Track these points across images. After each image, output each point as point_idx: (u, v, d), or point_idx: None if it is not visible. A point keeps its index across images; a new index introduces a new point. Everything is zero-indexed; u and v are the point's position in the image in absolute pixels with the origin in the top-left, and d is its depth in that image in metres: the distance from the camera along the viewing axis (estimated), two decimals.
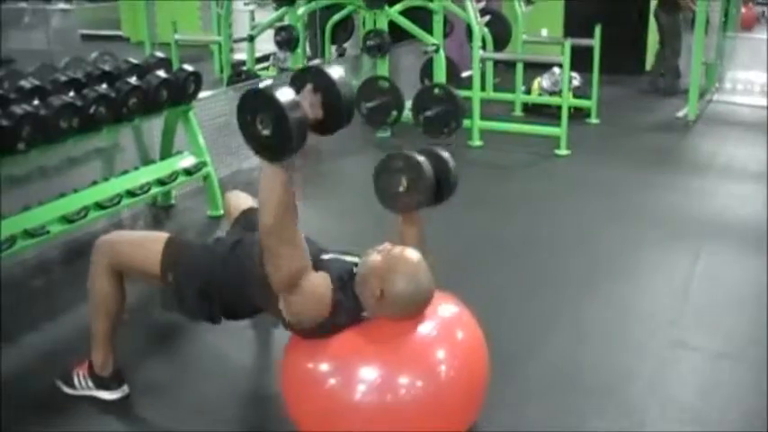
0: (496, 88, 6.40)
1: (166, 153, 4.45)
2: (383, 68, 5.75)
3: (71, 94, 3.60)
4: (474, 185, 4.83)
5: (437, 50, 5.51)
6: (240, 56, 7.20)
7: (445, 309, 2.36)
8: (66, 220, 3.57)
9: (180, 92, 4.05)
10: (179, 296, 2.48)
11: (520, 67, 6.11)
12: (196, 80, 4.12)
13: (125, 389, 2.69)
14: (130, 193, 3.88)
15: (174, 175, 4.13)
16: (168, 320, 3.19)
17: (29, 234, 3.40)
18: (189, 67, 4.14)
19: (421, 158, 2.43)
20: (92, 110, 3.57)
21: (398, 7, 5.75)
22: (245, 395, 2.79)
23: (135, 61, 4.08)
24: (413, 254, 2.25)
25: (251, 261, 2.30)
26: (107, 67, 3.90)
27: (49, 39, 10.98)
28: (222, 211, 4.32)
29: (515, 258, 3.80)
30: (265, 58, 7.39)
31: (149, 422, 2.64)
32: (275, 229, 2.06)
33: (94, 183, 3.87)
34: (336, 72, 2.08)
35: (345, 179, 5.19)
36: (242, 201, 3.03)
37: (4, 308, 3.40)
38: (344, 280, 2.26)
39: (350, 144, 5.71)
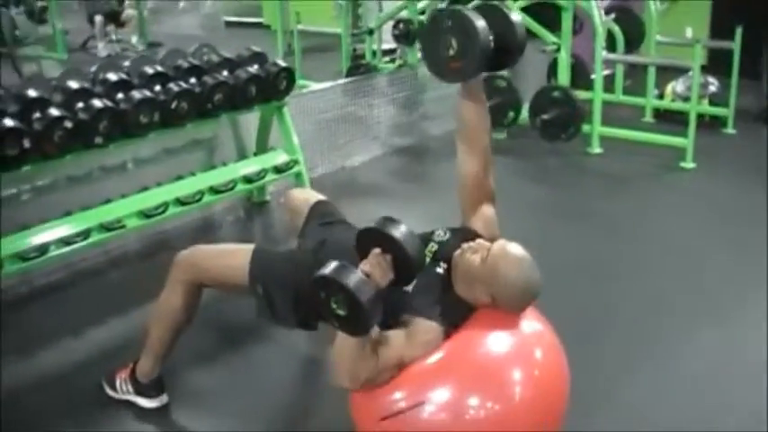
0: (627, 91, 5.94)
1: (261, 149, 4.39)
2: None
3: (157, 88, 3.57)
4: (583, 195, 4.51)
5: (558, 50, 5.15)
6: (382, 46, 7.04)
7: (529, 328, 2.14)
8: (144, 214, 3.55)
9: (270, 88, 3.93)
10: (271, 306, 2.39)
11: (652, 69, 5.62)
12: (288, 76, 4.00)
13: (164, 398, 2.65)
14: (213, 190, 3.81)
15: (262, 173, 4.03)
16: (223, 329, 3.12)
17: (104, 228, 3.40)
18: (281, 63, 4.02)
19: (474, 16, 2.14)
20: (174, 105, 3.52)
21: (522, 2, 5.43)
22: (287, 411, 2.66)
23: (228, 55, 4.00)
24: (513, 249, 2.11)
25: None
26: (196, 62, 3.83)
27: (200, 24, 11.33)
28: None
29: (612, 281, 3.46)
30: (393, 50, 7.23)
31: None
32: (354, 385, 2.02)
33: (179, 177, 3.84)
34: (400, 230, 1.95)
35: (449, 181, 4.92)
36: (308, 195, 2.94)
37: (74, 299, 3.45)
38: (443, 297, 2.12)
39: None
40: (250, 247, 2.49)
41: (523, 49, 2.26)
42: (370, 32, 6.26)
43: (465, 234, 2.26)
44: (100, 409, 2.64)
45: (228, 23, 11.35)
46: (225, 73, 3.83)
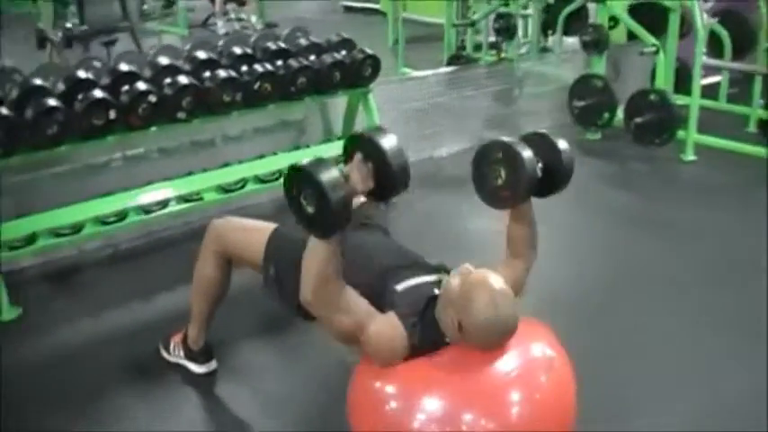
0: (731, 99, 5.69)
1: (346, 133, 4.48)
2: (599, 66, 5.34)
3: (244, 68, 3.70)
4: (668, 204, 4.35)
5: (657, 52, 5.00)
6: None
7: (532, 342, 2.12)
8: (223, 189, 3.70)
9: (355, 74, 4.01)
10: (279, 289, 2.45)
11: (758, 77, 5.36)
12: (373, 64, 4.06)
13: (212, 365, 2.77)
14: None
15: (341, 157, 4.11)
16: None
17: (182, 199, 3.58)
18: (368, 51, 4.09)
19: (521, 147, 2.19)
20: (256, 86, 3.65)
21: (628, 1, 5.30)
22: (326, 396, 2.69)
23: (317, 40, 4.10)
24: (492, 280, 2.02)
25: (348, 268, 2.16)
26: (283, 45, 3.95)
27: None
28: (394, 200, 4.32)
29: (672, 301, 3.29)
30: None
31: (223, 402, 2.69)
32: (314, 303, 2.03)
33: (261, 156, 3.97)
34: (388, 141, 1.96)
35: None
36: None
37: (151, 265, 3.63)
38: (423, 310, 2.11)
39: None
40: (273, 226, 2.54)
41: (570, 174, 2.29)
42: (472, 24, 6.25)
43: None
44: (154, 370, 2.80)
45: (347, 8, 11.50)
46: (312, 57, 3.94)
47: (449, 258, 2.34)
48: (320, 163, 1.89)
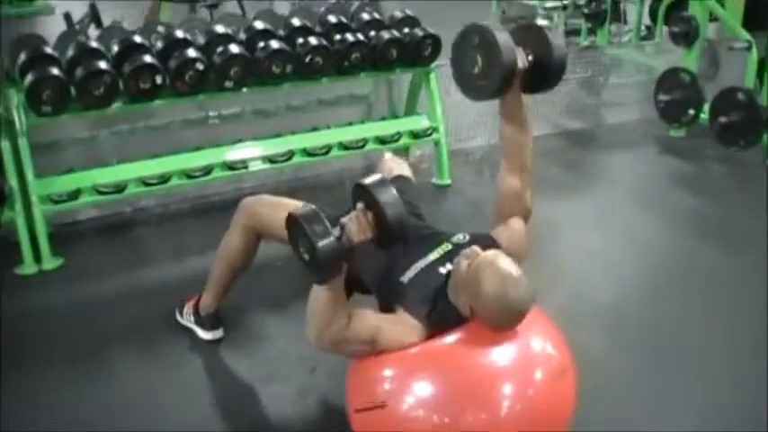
0: None
1: (409, 112, 4.45)
2: (689, 60, 5.06)
3: (300, 40, 3.72)
4: (743, 212, 4.07)
5: (749, 48, 4.69)
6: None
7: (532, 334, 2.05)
8: (269, 159, 3.78)
9: (413, 53, 3.95)
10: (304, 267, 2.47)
11: None
12: (434, 43, 3.99)
13: (218, 333, 2.84)
14: (342, 146, 3.93)
15: (396, 135, 4.09)
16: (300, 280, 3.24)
17: (227, 167, 3.65)
18: (429, 30, 4.02)
19: (499, 33, 2.07)
20: (307, 59, 3.66)
21: None
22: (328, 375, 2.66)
23: (377, 17, 4.06)
24: (500, 263, 1.97)
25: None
26: (344, 19, 3.93)
27: None
28: (449, 182, 4.27)
29: (734, 322, 3.03)
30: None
31: (225, 367, 2.75)
32: (320, 344, 2.03)
33: (314, 129, 3.99)
34: (385, 192, 1.92)
35: (615, 175, 4.68)
36: (395, 166, 2.92)
37: (194, 228, 3.73)
38: (434, 297, 2.08)
39: (635, 136, 5.20)
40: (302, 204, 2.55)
41: (561, 72, 2.17)
42: (564, 8, 6.05)
43: (484, 241, 2.17)
44: (165, 330, 2.88)
45: None
46: (372, 33, 3.91)
47: None
48: (312, 214, 1.88)
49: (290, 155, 3.79)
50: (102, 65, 3.27)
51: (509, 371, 1.98)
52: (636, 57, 6.06)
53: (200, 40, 3.63)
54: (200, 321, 2.83)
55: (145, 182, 3.47)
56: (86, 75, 3.21)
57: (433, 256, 2.19)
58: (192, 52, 3.42)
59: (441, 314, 2.05)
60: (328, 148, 3.89)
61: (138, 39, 3.46)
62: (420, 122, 4.21)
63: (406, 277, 2.13)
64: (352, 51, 3.77)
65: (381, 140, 4.04)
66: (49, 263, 3.33)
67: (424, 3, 5.30)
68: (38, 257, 3.31)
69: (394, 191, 1.94)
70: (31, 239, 3.30)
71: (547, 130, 5.19)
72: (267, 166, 3.76)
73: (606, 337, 2.87)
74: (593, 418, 2.30)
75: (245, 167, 3.70)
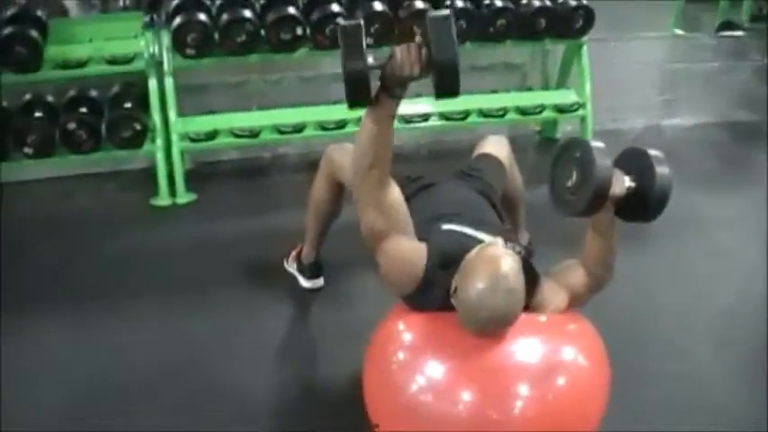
0: None
1: (560, 84, 4.31)
2: None
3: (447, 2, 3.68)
4: None
5: None
6: None
7: (567, 335, 1.96)
8: (445, 117, 3.85)
9: (563, 24, 3.81)
10: None
11: None
12: (586, 15, 3.82)
13: (318, 282, 2.89)
14: (481, 112, 3.87)
15: (539, 108, 3.97)
16: None
17: (320, 126, 3.72)
18: (584, 1, 3.84)
19: (600, 151, 1.92)
20: None
21: None
22: None
23: None
24: (504, 263, 1.81)
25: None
26: None
27: None
28: None
29: None
30: None
31: (317, 319, 2.80)
32: (355, 181, 1.93)
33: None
34: (445, 34, 1.74)
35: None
36: (491, 145, 2.80)
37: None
38: (451, 258, 1.95)
39: None
40: None
41: (663, 205, 1.97)
42: None
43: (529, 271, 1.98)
44: (272, 275, 2.97)
45: None
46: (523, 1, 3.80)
47: None
48: (353, 29, 1.75)
49: (425, 117, 3.78)
50: (247, 13, 3.38)
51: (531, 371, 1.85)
52: None
53: None
54: (301, 269, 2.90)
55: (280, 129, 3.58)
56: (230, 21, 3.34)
57: (480, 234, 2.07)
58: (335, 7, 3.47)
59: (440, 278, 1.92)
60: (466, 114, 3.83)
61: None
62: (567, 97, 4.07)
63: (447, 226, 2.06)
64: (498, 17, 3.68)
65: (522, 111, 3.95)
66: (183, 197, 3.53)
67: None
68: (173, 191, 3.52)
69: (454, 27, 1.76)
70: (168, 174, 3.50)
71: (708, 118, 4.83)
72: (400, 125, 3.76)
73: None
74: None
75: (342, 127, 3.71)
